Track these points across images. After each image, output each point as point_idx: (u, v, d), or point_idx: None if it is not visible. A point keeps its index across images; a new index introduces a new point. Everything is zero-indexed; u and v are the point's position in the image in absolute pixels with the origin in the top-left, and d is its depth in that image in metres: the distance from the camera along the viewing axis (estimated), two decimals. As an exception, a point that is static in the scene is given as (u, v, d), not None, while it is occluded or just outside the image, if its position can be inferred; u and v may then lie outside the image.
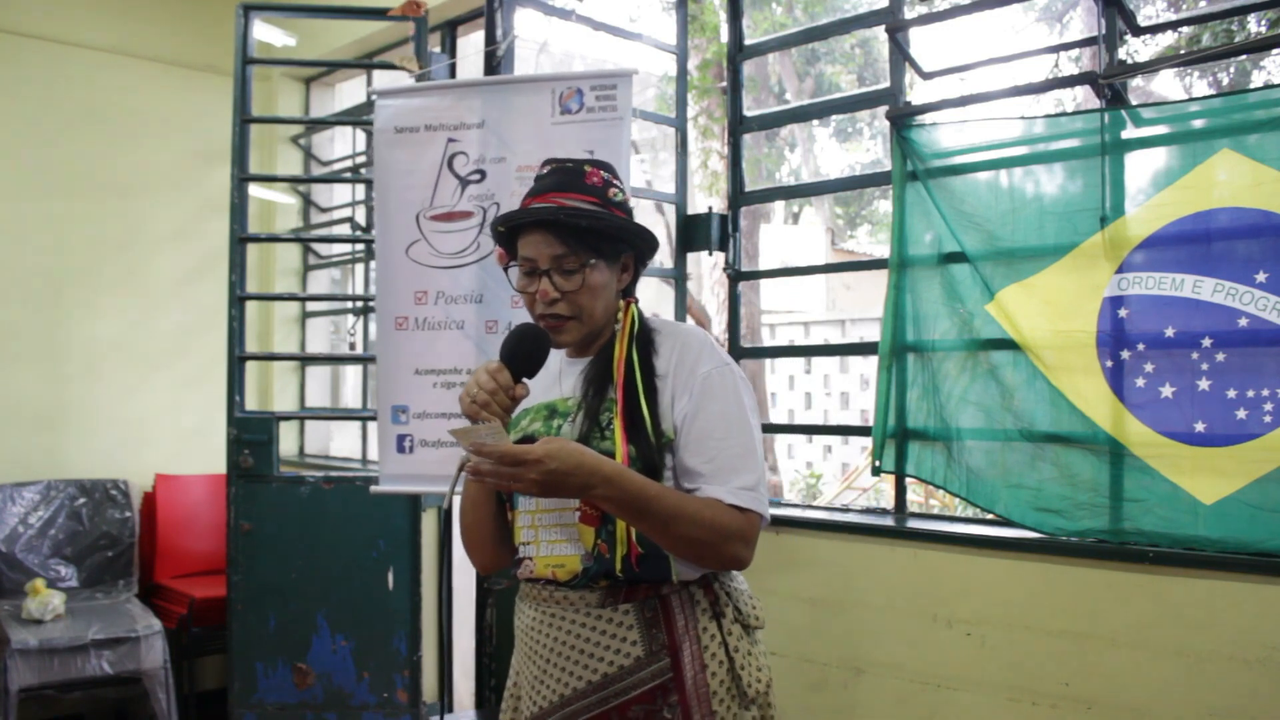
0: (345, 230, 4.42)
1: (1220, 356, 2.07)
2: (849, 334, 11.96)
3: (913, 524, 2.54)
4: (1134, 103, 2.30)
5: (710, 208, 3.08)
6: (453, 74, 3.42)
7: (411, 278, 2.72)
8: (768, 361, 11.01)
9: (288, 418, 4.10)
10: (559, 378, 1.55)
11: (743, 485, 1.42)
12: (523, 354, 1.43)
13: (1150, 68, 2.62)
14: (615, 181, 1.53)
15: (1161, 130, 2.19)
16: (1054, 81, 3.68)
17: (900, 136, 2.55)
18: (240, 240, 3.20)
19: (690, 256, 3.27)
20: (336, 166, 4.56)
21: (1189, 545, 2.07)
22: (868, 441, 3.28)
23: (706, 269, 9.03)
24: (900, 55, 2.63)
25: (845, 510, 3.31)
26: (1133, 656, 2.12)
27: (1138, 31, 2.37)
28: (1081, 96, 6.67)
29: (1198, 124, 2.15)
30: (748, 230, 8.58)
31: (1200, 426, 2.08)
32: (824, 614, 2.61)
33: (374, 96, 2.79)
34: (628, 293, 1.57)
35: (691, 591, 1.47)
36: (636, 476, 1.36)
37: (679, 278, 3.27)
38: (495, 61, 2.89)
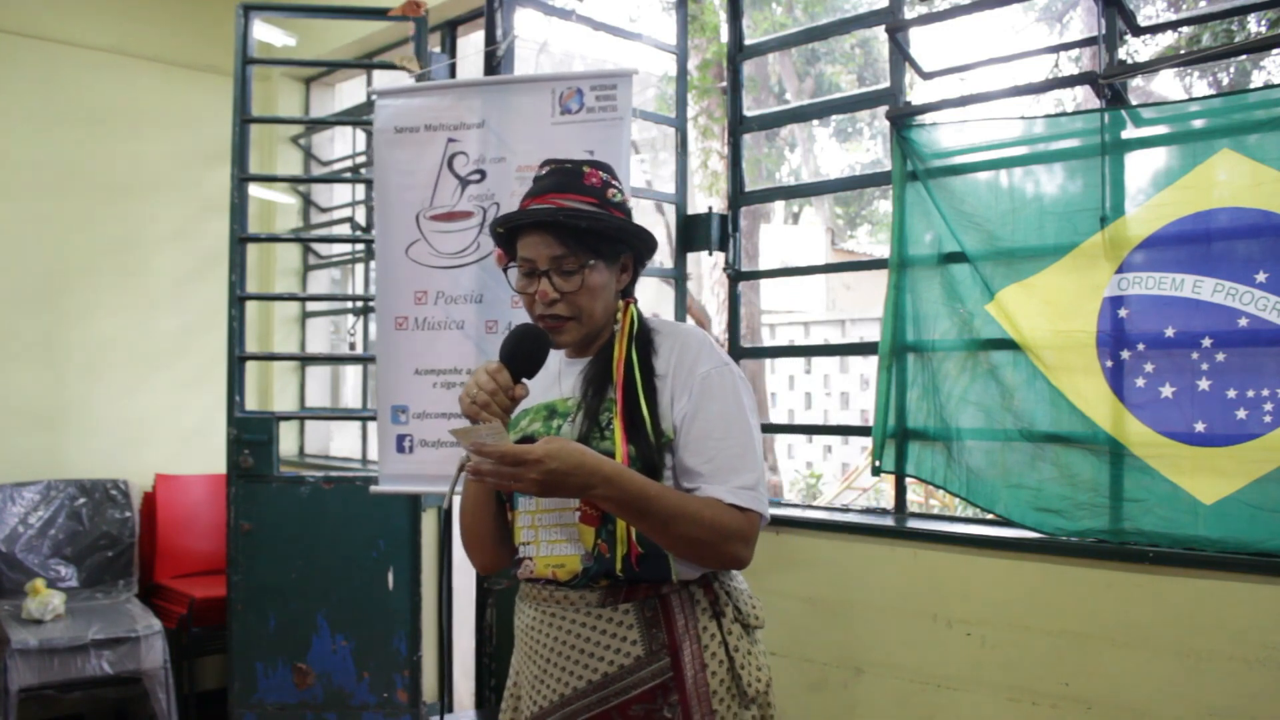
0: (345, 230, 4.42)
1: (1220, 356, 2.06)
2: (849, 334, 11.97)
3: (913, 524, 2.54)
4: (1134, 103, 2.30)
5: (710, 208, 3.08)
6: (453, 74, 3.42)
7: (411, 278, 2.72)
8: (768, 361, 11.01)
9: (288, 418, 4.10)
10: (558, 378, 1.55)
11: (742, 485, 1.42)
12: (522, 354, 1.43)
13: (1150, 68, 2.62)
14: (614, 182, 1.53)
15: (1161, 130, 2.19)
16: (1054, 81, 3.68)
17: (900, 136, 2.55)
18: (240, 240, 3.20)
19: (690, 256, 3.27)
20: (336, 166, 4.56)
21: (1189, 545, 2.07)
22: (868, 441, 3.28)
23: (706, 269, 9.03)
24: (900, 55, 2.63)
25: (845, 510, 3.31)
26: (1133, 656, 2.12)
27: (1138, 31, 2.37)
28: (1081, 96, 6.67)
29: (1198, 124, 2.15)
30: (748, 230, 8.58)
31: (1200, 426, 2.08)
32: (824, 614, 2.61)
33: (374, 96, 2.79)
34: (627, 293, 1.57)
35: (691, 591, 1.48)
36: (637, 476, 1.36)
37: (679, 278, 3.27)
38: (495, 61, 2.89)
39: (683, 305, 3.27)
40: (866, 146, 15.25)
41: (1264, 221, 2.02)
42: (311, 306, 4.60)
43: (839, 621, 2.59)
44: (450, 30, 3.74)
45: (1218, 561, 2.02)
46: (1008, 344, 2.35)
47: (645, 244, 1.55)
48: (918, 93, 3.27)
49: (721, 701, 1.44)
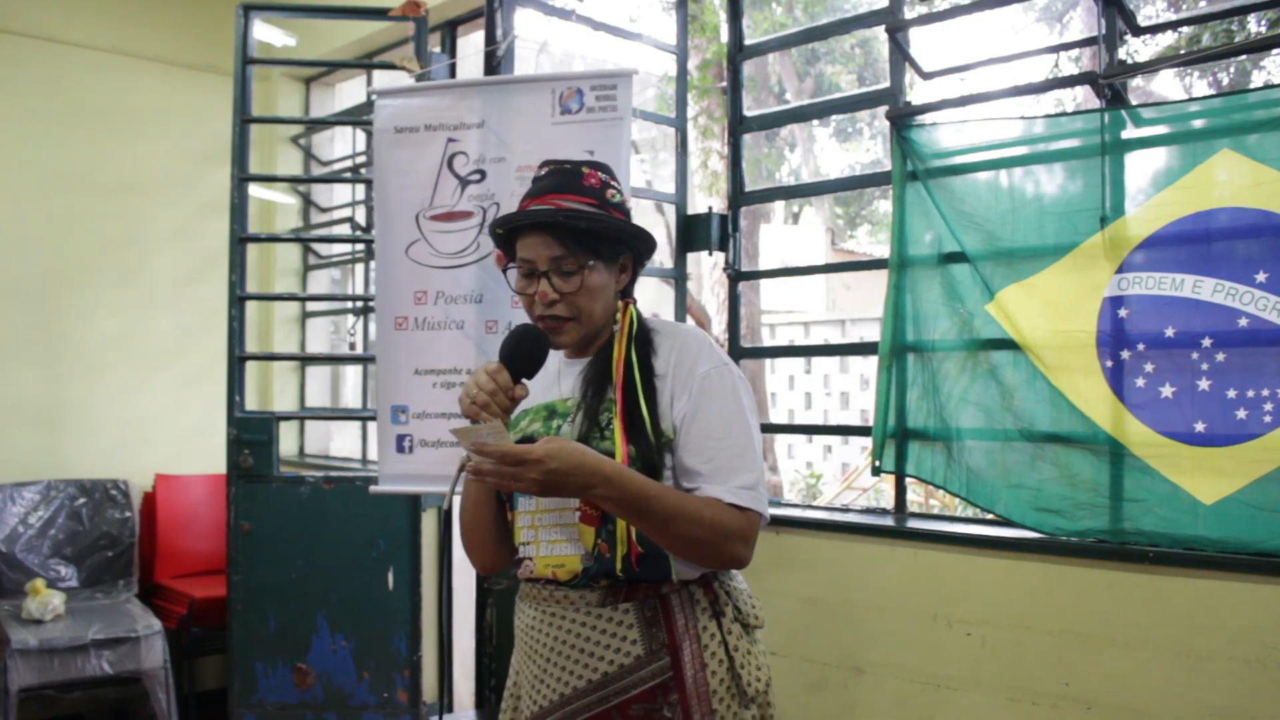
0: (345, 230, 4.42)
1: (1220, 356, 2.06)
2: (849, 334, 11.97)
3: (913, 524, 2.54)
4: (1134, 103, 2.30)
5: (710, 208, 3.08)
6: (453, 74, 3.42)
7: (411, 278, 2.72)
8: (768, 361, 11.01)
9: (288, 418, 4.10)
10: (558, 378, 1.55)
11: (742, 484, 1.42)
12: (522, 355, 1.43)
13: (1150, 68, 2.62)
14: (613, 183, 1.53)
15: (1161, 130, 2.19)
16: (1054, 81, 3.68)
17: (900, 136, 2.55)
18: (240, 240, 3.20)
19: (690, 256, 3.27)
20: (336, 166, 4.56)
21: (1189, 545, 2.07)
22: (868, 441, 3.28)
23: (706, 269, 9.03)
24: (900, 55, 2.63)
25: (845, 510, 3.31)
26: (1133, 656, 2.12)
27: (1138, 31, 2.37)
28: (1081, 96, 6.67)
29: (1198, 124, 2.15)
30: (748, 230, 8.58)
31: (1200, 426, 2.08)
32: (824, 614, 2.61)
33: (374, 96, 2.79)
34: (626, 293, 1.57)
35: (691, 591, 1.48)
36: (637, 476, 1.36)
37: (679, 278, 3.27)
38: (495, 61, 2.89)
39: (683, 305, 3.27)
40: (866, 146, 15.25)
41: (1264, 221, 2.02)
42: (311, 306, 4.60)
43: (839, 621, 2.58)
44: (450, 30, 3.74)
45: (1218, 561, 2.02)
46: (1008, 344, 2.35)
47: (644, 244, 1.55)
48: (918, 93, 3.27)
49: (721, 701, 1.44)
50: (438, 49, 3.72)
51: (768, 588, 2.61)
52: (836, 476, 10.56)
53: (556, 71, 3.13)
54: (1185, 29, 5.27)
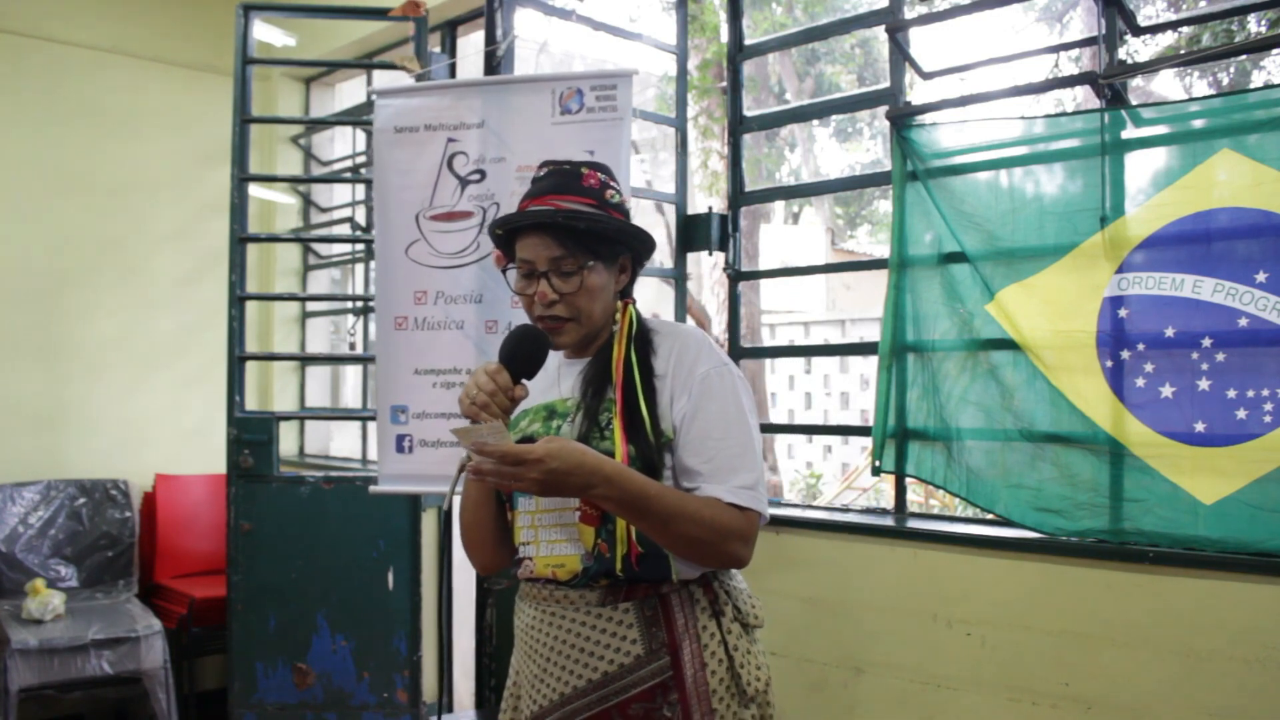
0: (345, 230, 4.42)
1: (1220, 356, 2.06)
2: (849, 334, 11.96)
3: (913, 524, 2.54)
4: (1134, 103, 2.30)
5: (710, 208, 3.08)
6: (453, 74, 3.42)
7: (411, 278, 2.72)
8: (768, 361, 11.01)
9: (288, 418, 4.10)
10: (558, 379, 1.55)
11: (742, 484, 1.42)
12: (522, 355, 1.44)
13: (1150, 68, 2.62)
14: (612, 183, 1.53)
15: (1161, 130, 2.19)
16: (1054, 81, 3.68)
17: (900, 136, 2.55)
18: (240, 240, 3.20)
19: (690, 256, 3.27)
20: (336, 166, 4.56)
21: (1189, 545, 2.07)
22: (868, 441, 3.28)
23: (706, 269, 9.03)
24: (900, 55, 2.63)
25: (845, 510, 3.31)
26: (1133, 656, 2.12)
27: (1138, 31, 2.37)
28: (1081, 96, 6.67)
29: (1198, 124, 2.15)
30: (748, 230, 8.58)
31: (1200, 426, 2.08)
32: (824, 614, 2.61)
33: (374, 96, 2.79)
34: (625, 294, 1.57)
35: (691, 590, 1.48)
36: (637, 476, 1.36)
37: (679, 278, 3.27)
38: (495, 61, 2.89)
39: (683, 305, 3.27)
40: (866, 146, 15.25)
41: (1264, 221, 2.02)
42: (311, 306, 4.60)
43: (839, 621, 2.58)
44: (450, 30, 3.74)
45: (1218, 561, 2.02)
46: (1008, 344, 2.35)
47: (643, 245, 1.55)
48: (918, 93, 3.27)
49: (721, 700, 1.44)
50: (438, 49, 3.72)
51: (768, 588, 2.61)
52: (836, 476, 10.56)
53: (556, 71, 3.13)
54: (1185, 29, 5.27)
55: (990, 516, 2.45)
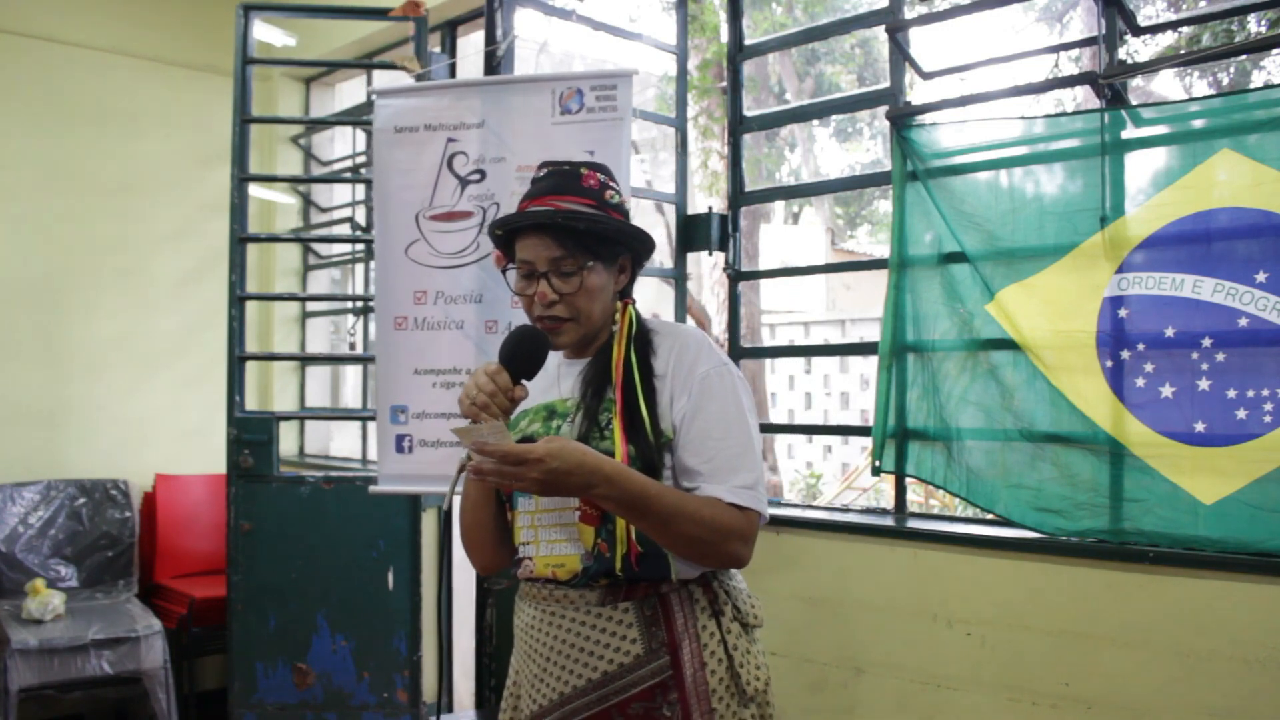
0: (345, 230, 4.43)
1: (1220, 356, 2.06)
2: (849, 334, 11.97)
3: (913, 524, 2.54)
4: (1134, 103, 2.30)
5: (710, 208, 3.08)
6: (453, 74, 3.42)
7: (411, 278, 2.72)
8: (768, 361, 11.01)
9: (288, 418, 4.10)
10: (557, 379, 1.55)
11: (741, 484, 1.42)
12: (522, 355, 1.44)
13: (1150, 68, 2.62)
14: (612, 184, 1.53)
15: (1161, 130, 2.19)
16: (1054, 81, 3.68)
17: (900, 136, 2.55)
18: (240, 240, 3.20)
19: (690, 256, 3.27)
20: (336, 166, 4.56)
21: (1189, 545, 2.07)
22: (868, 441, 3.28)
23: (706, 269, 9.03)
24: (900, 55, 2.63)
25: (845, 510, 3.31)
26: (1133, 656, 2.12)
27: (1138, 31, 2.37)
28: (1081, 96, 6.67)
29: (1198, 124, 2.15)
30: (748, 230, 8.58)
31: (1200, 426, 2.08)
32: (824, 614, 2.61)
33: (374, 96, 2.79)
34: (625, 294, 1.57)
35: (691, 590, 1.48)
36: (637, 475, 1.37)
37: (679, 278, 3.27)
38: (495, 61, 2.89)
39: (683, 305, 3.27)
40: (866, 146, 15.25)
41: (1264, 221, 2.02)
42: (311, 306, 4.60)
43: (839, 621, 2.58)
44: (450, 30, 3.74)
45: (1218, 561, 2.02)
46: (1008, 344, 2.35)
47: (643, 245, 1.55)
48: (918, 93, 3.27)
49: (720, 700, 1.44)
50: (438, 49, 3.72)
51: (768, 588, 2.61)
52: (836, 476, 10.56)
53: (556, 71, 3.13)
54: (1185, 29, 5.27)
55: (990, 516, 2.45)
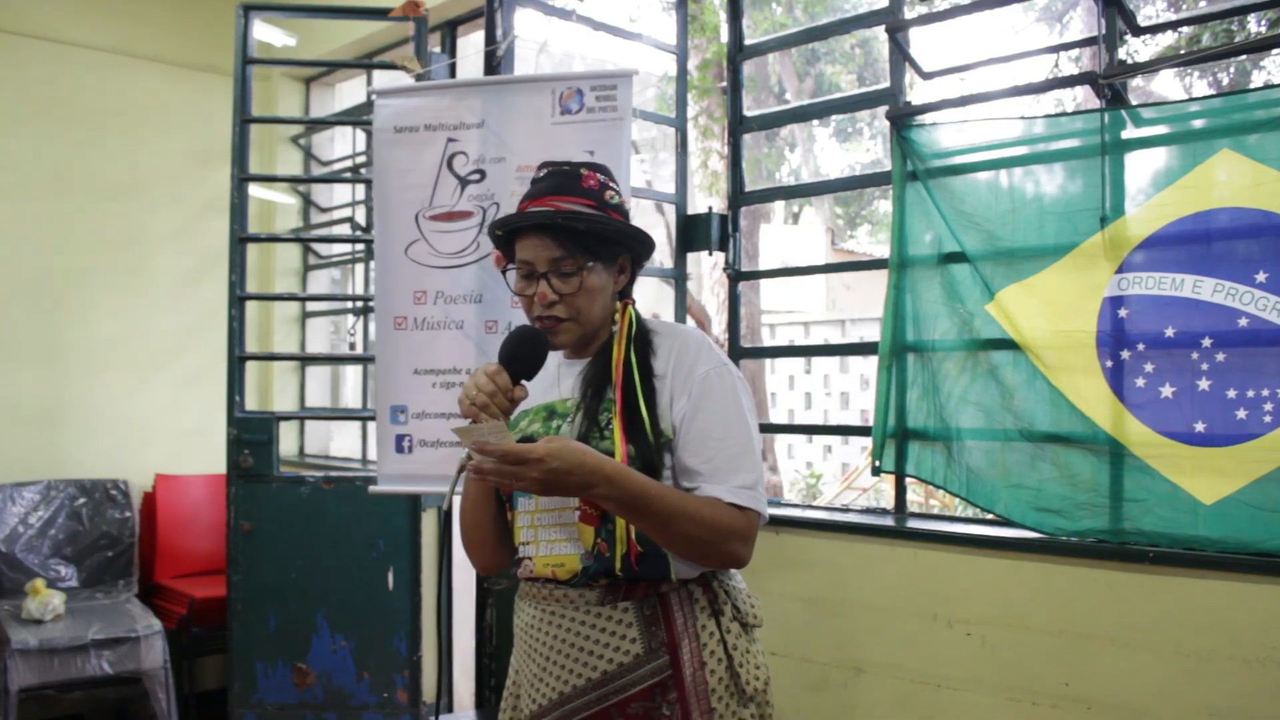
0: (345, 230, 4.43)
1: (1220, 356, 2.06)
2: (849, 334, 11.97)
3: (913, 524, 2.54)
4: (1134, 103, 2.30)
5: (710, 208, 3.08)
6: (453, 74, 3.42)
7: (411, 278, 2.72)
8: (768, 361, 11.01)
9: (288, 418, 4.10)
10: (557, 379, 1.55)
11: (741, 484, 1.42)
12: (521, 356, 1.44)
13: (1150, 68, 2.62)
14: (611, 184, 1.53)
15: (1161, 130, 2.19)
16: (1054, 81, 3.68)
17: (900, 136, 2.55)
18: (240, 240, 3.20)
19: (690, 256, 3.27)
20: (336, 166, 4.56)
21: (1189, 545, 2.07)
22: (868, 441, 3.28)
23: (706, 269, 9.03)
24: (900, 55, 2.63)
25: (845, 510, 3.31)
26: (1133, 656, 2.12)
27: (1138, 31, 2.37)
28: (1081, 96, 6.67)
29: (1198, 124, 2.15)
30: (748, 230, 8.58)
31: (1200, 426, 2.08)
32: (824, 614, 2.61)
33: (374, 96, 2.79)
34: (625, 294, 1.57)
35: (690, 590, 1.48)
36: (637, 475, 1.37)
37: (679, 278, 3.27)
38: (495, 61, 2.89)
39: (683, 305, 3.27)
40: (866, 146, 15.25)
41: (1264, 221, 2.02)
42: (311, 306, 4.60)
43: (839, 621, 2.58)
44: (450, 30, 3.74)
45: (1218, 561, 2.02)
46: (1008, 344, 2.35)
47: (643, 245, 1.55)
48: (918, 93, 3.27)
49: (720, 699, 1.44)
50: (438, 49, 3.72)
51: (768, 588, 2.61)
52: (836, 476, 10.56)
53: (556, 71, 3.13)
54: (1185, 29, 5.27)
55: (990, 516, 2.45)
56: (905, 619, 2.46)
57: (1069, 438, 2.25)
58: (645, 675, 1.43)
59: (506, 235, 1.52)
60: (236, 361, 3.18)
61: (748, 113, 3.12)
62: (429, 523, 3.41)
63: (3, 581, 3.67)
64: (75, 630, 3.27)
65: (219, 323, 3.25)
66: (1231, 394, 2.04)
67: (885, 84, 2.69)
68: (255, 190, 3.98)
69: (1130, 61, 2.39)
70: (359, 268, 4.60)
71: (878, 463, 2.56)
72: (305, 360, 4.57)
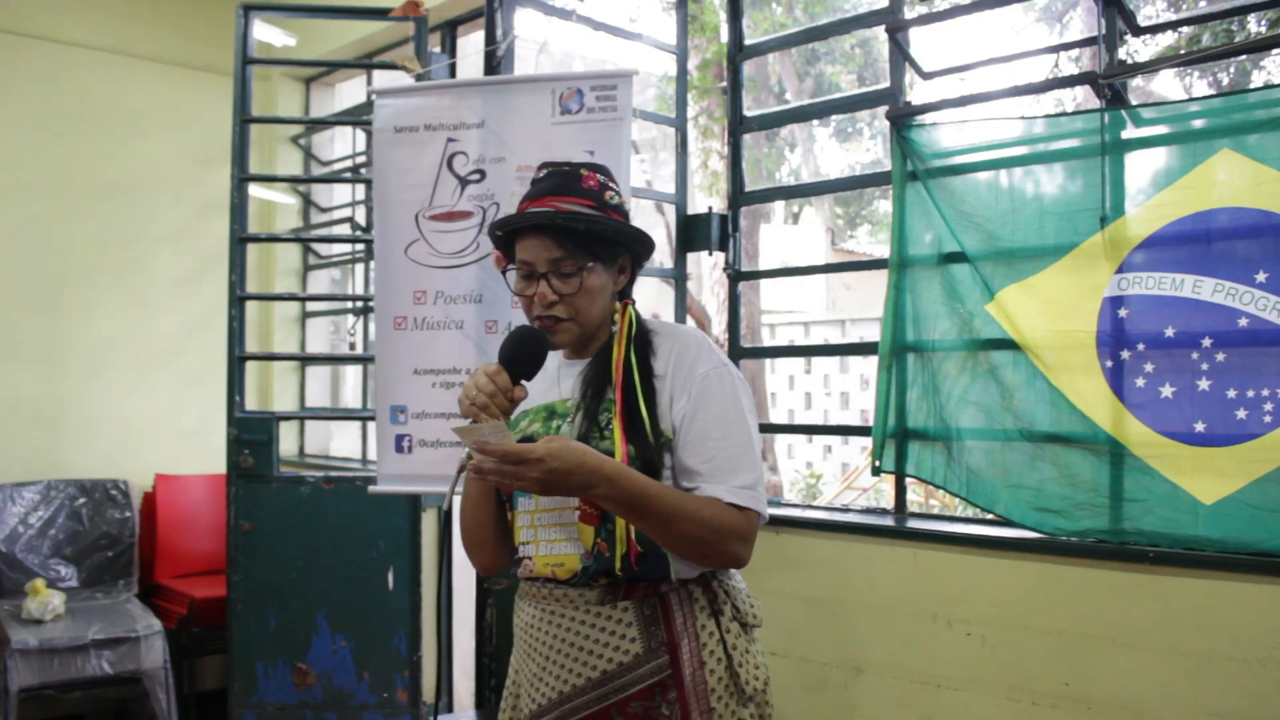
0: (345, 230, 4.43)
1: (1220, 356, 2.06)
2: (849, 334, 11.97)
3: (913, 524, 2.54)
4: (1134, 103, 2.30)
5: (710, 208, 3.08)
6: (453, 74, 3.42)
7: (411, 278, 2.72)
8: (768, 361, 11.01)
9: (288, 418, 4.10)
10: (557, 379, 1.56)
11: (741, 484, 1.43)
12: (521, 356, 1.44)
13: (1150, 68, 2.62)
14: (611, 184, 1.53)
15: (1161, 130, 2.19)
16: (1054, 81, 3.68)
17: (900, 136, 2.55)
18: (240, 240, 3.20)
19: (690, 256, 3.27)
20: (336, 166, 4.56)
21: (1189, 545, 2.07)
22: (868, 441, 3.28)
23: (706, 269, 9.03)
24: (900, 55, 2.63)
25: (845, 510, 3.31)
26: (1133, 656, 2.12)
27: (1138, 31, 2.37)
28: (1081, 96, 6.67)
29: (1198, 124, 2.15)
30: (748, 230, 8.58)
31: (1200, 426, 2.08)
32: (824, 614, 2.61)
33: (374, 96, 2.79)
34: (625, 294, 1.57)
35: (690, 590, 1.48)
36: (637, 475, 1.37)
37: (679, 278, 3.27)
38: (495, 61, 2.89)
39: (683, 305, 3.27)
40: (866, 146, 15.25)
41: (1264, 221, 2.02)
42: (311, 306, 4.60)
43: (839, 621, 2.58)
44: (450, 30, 3.74)
45: (1218, 561, 2.02)
46: (1008, 344, 2.35)
47: (643, 246, 1.55)
48: (918, 93, 3.27)
49: (719, 699, 1.44)
50: (438, 49, 3.72)
51: (768, 588, 2.61)
52: (836, 476, 10.56)
53: (556, 72, 3.13)
54: (1185, 29, 5.27)
55: (990, 516, 2.45)
56: (905, 619, 2.46)
57: (1069, 438, 2.25)
58: (645, 675, 1.43)
59: (506, 235, 1.52)
60: (236, 361, 3.18)
61: (748, 113, 3.12)
62: (429, 523, 3.41)
63: (3, 581, 3.67)
64: (75, 630, 3.27)
65: (219, 323, 3.25)
66: (1231, 394, 2.04)
67: (885, 84, 2.69)
68: (255, 190, 3.99)
69: (1130, 61, 2.39)
70: (359, 268, 4.60)
71: (878, 463, 2.56)
72: (305, 360, 4.57)
